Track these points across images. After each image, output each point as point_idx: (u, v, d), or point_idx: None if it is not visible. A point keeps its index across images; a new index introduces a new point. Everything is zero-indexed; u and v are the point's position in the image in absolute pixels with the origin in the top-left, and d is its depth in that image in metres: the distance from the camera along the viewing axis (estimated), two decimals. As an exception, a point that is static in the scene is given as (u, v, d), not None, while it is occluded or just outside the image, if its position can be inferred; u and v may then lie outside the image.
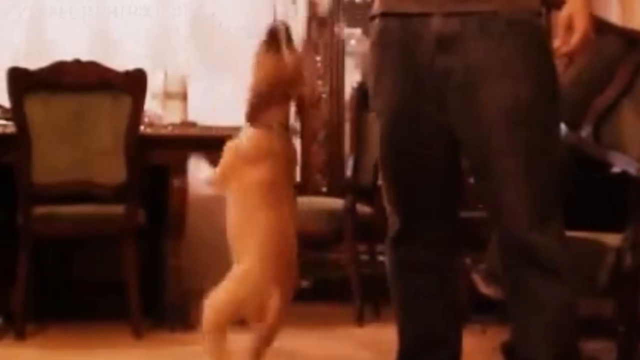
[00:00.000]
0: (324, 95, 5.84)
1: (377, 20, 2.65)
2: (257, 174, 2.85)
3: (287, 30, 2.86)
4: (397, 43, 2.57)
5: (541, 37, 2.54)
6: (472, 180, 2.73)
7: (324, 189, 5.68)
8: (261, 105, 2.85)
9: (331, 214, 4.80)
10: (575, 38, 2.48)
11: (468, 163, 2.65)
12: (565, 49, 2.51)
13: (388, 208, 2.73)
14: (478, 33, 2.46)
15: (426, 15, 2.50)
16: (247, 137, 2.91)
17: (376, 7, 2.66)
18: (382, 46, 2.64)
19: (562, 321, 2.52)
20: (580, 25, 2.47)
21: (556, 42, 2.52)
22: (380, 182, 2.82)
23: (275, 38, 2.83)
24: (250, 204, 2.87)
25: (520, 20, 2.49)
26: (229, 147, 2.92)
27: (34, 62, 4.42)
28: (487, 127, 2.48)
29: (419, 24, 2.52)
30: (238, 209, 2.89)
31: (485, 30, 2.46)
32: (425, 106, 2.55)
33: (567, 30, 2.49)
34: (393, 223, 2.71)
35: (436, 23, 2.49)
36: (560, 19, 2.50)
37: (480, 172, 2.59)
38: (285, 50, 2.82)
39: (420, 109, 2.56)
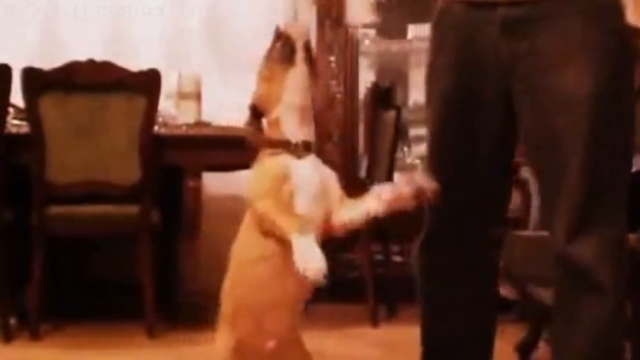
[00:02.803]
0: (338, 95, 5.84)
1: (440, 1, 2.50)
2: None
3: (307, 35, 2.38)
4: (457, 27, 2.43)
5: (618, 23, 2.33)
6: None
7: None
8: None
9: (345, 214, 4.78)
10: None
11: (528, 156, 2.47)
12: None
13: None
14: (548, 15, 2.30)
15: (492, 4, 2.36)
16: None
17: None
18: (441, 29, 2.49)
19: (603, 341, 2.32)
20: None
21: None
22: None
23: (292, 46, 2.32)
24: None
25: (597, 3, 2.31)
26: None
27: (48, 62, 4.42)
28: (550, 119, 2.32)
29: (483, 10, 2.36)
30: None
31: (556, 12, 2.30)
32: (485, 95, 2.40)
33: None
34: (432, 218, 2.51)
35: (501, 10, 2.34)
36: None
37: (536, 167, 2.43)
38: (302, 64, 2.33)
39: (479, 98, 2.41)
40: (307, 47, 2.33)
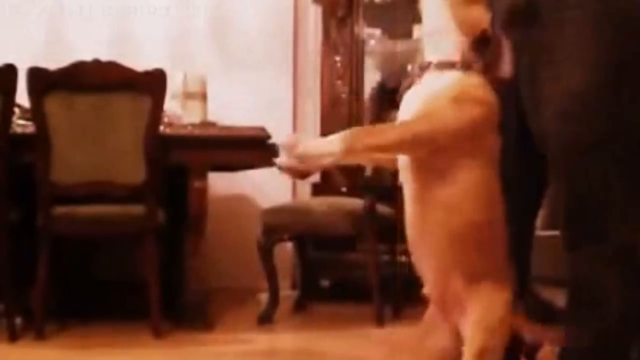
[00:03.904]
0: (343, 95, 5.84)
1: None
2: (495, 142, 2.17)
3: None
4: None
5: (621, 16, 2.16)
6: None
7: (344, 189, 5.67)
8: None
9: (351, 214, 4.79)
10: None
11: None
12: None
13: None
14: (552, 6, 2.20)
15: None
16: (479, 86, 2.15)
17: None
18: None
19: (603, 352, 2.21)
20: None
21: None
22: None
23: None
24: (494, 187, 2.16)
25: None
26: (463, 96, 2.12)
27: (54, 62, 4.42)
28: (541, 118, 2.21)
29: None
30: (473, 193, 2.13)
31: (560, 4, 2.19)
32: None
33: None
34: None
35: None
36: None
37: (551, 169, 2.28)
38: None
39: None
40: None
